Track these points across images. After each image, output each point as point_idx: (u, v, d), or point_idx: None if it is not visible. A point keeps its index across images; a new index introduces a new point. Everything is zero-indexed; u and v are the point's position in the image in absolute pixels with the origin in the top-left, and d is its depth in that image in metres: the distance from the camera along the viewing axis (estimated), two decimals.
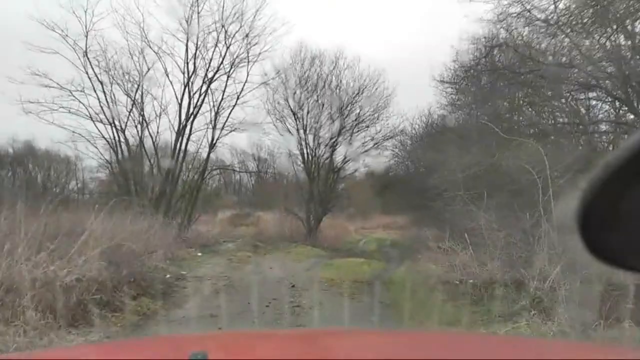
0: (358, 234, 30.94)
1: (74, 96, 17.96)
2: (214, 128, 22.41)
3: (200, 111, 20.36)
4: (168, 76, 19.23)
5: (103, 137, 18.44)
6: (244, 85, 20.83)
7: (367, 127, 20.30)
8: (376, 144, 20.53)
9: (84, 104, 18.07)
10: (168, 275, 9.46)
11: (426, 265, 12.12)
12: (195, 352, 1.25)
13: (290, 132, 20.92)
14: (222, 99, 21.65)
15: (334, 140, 20.19)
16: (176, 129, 19.43)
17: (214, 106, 20.79)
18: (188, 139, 19.61)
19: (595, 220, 0.65)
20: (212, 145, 22.41)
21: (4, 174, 28.33)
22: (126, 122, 18.56)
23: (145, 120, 19.16)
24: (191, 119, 19.61)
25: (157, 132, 19.64)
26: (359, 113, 20.18)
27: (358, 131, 20.44)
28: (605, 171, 0.60)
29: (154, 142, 19.68)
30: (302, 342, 2.06)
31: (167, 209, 19.04)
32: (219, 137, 22.65)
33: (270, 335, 2.70)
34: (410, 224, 35.43)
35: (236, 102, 21.85)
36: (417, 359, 1.63)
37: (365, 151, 20.52)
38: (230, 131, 22.90)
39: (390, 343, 2.00)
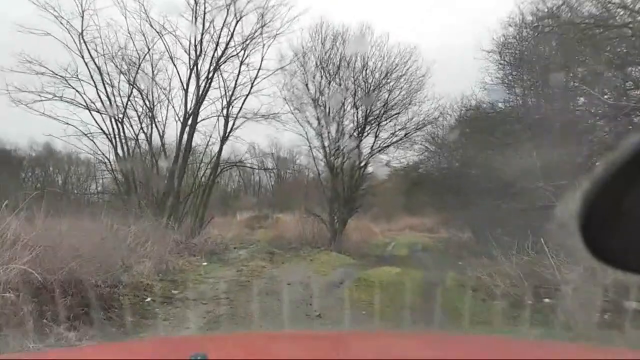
0: (384, 236, 28.27)
1: (68, 84, 15.74)
2: (226, 119, 20.03)
3: (209, 98, 18.00)
4: (172, 59, 16.81)
5: (101, 129, 16.15)
6: (258, 70, 18.39)
7: (397, 114, 17.57)
8: (407, 133, 17.76)
9: (79, 92, 15.84)
10: (149, 299, 6.92)
11: (478, 276, 9.48)
12: (195, 354, 1.25)
13: (309, 122, 18.38)
14: (235, 85, 19.28)
15: (359, 130, 17.53)
16: (182, 118, 17.06)
17: (225, 94, 18.41)
18: (194, 129, 17.17)
19: (596, 221, 0.65)
20: (224, 138, 20.01)
21: (23, 176, 27.38)
22: (124, 111, 16.24)
23: (148, 107, 16.79)
24: (199, 106, 17.18)
25: (160, 122, 17.25)
26: (387, 98, 17.47)
27: (387, 120, 17.74)
28: (607, 171, 0.59)
29: (160, 134, 17.28)
30: (301, 343, 2.04)
31: (172, 210, 16.65)
32: (231, 129, 20.29)
33: (269, 336, 2.74)
34: (440, 226, 32.69)
35: (250, 89, 19.46)
36: (417, 359, 1.64)
37: (395, 142, 17.80)
38: (244, 122, 20.52)
39: (390, 344, 1.96)
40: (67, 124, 15.73)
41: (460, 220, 24.69)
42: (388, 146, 17.63)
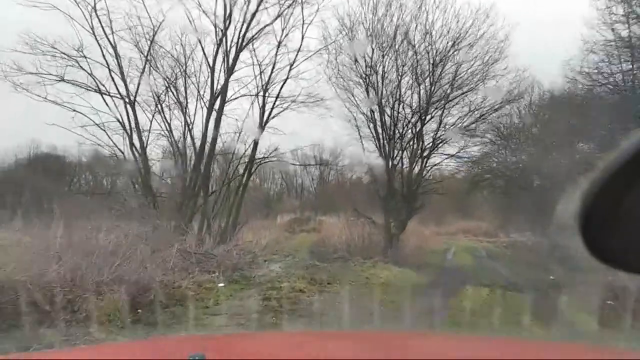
0: (438, 241, 24.41)
1: (78, 64, 12.94)
2: (262, 106, 16.83)
3: (241, 81, 14.88)
4: (193, 22, 13.66)
5: (114, 118, 13.22)
6: (298, 50, 15.14)
7: (468, 91, 13.74)
8: (482, 116, 13.88)
9: (89, 74, 13.00)
10: None
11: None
12: (194, 354, 1.25)
13: (358, 106, 14.88)
14: (273, 68, 16.09)
15: (420, 113, 13.86)
16: (207, 102, 13.94)
17: (260, 73, 15.22)
18: (221, 113, 14.01)
19: (596, 221, 0.64)
20: (261, 127, 16.81)
21: (70, 181, 26.15)
22: (136, 90, 13.25)
23: (168, 83, 13.72)
24: (226, 84, 14.02)
25: (180, 102, 14.15)
26: (455, 72, 13.70)
27: (455, 100, 13.96)
28: (607, 172, 0.59)
29: (187, 120, 14.18)
30: (300, 343, 2.01)
31: (194, 212, 13.55)
32: (268, 117, 17.07)
33: (267, 337, 2.79)
34: (499, 229, 28.43)
35: (289, 71, 16.25)
36: (417, 359, 1.59)
37: (466, 127, 13.96)
38: (281, 111, 17.25)
39: (390, 344, 1.92)
40: (75, 110, 12.96)
41: (526, 222, 20.83)
42: (457, 133, 13.84)
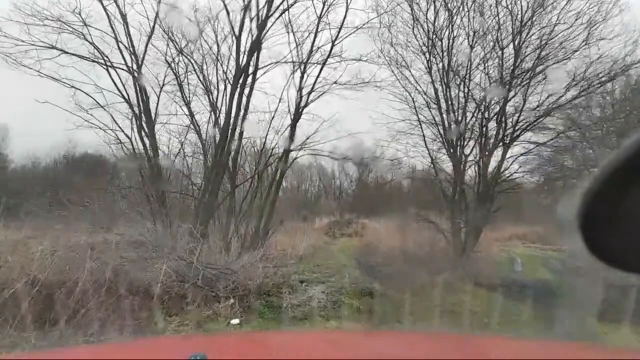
0: (495, 249, 20.86)
1: (80, 34, 10.42)
2: (299, 86, 13.98)
3: (272, 57, 12.09)
4: None
5: (121, 95, 10.59)
6: (344, 19, 12.23)
7: (565, 59, 10.30)
8: (584, 90, 10.36)
9: (93, 44, 10.45)
10: None
11: None
12: (195, 354, 1.24)
13: (417, 84, 11.76)
14: (312, 48, 13.27)
15: (499, 91, 10.58)
16: (231, 77, 11.13)
17: (297, 46, 12.39)
18: (251, 90, 11.19)
19: (596, 220, 0.62)
20: (297, 113, 13.96)
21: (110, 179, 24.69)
22: (143, 56, 10.53)
23: (177, 51, 11.00)
24: (254, 57, 11.17)
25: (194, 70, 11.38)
26: (542, 39, 10.34)
27: (539, 75, 10.60)
28: (607, 171, 0.58)
29: (210, 99, 11.42)
30: (301, 343, 1.97)
31: (211, 212, 10.76)
32: (306, 102, 14.19)
33: (268, 336, 2.65)
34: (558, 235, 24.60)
35: (331, 50, 13.40)
36: (417, 359, 1.57)
37: (558, 107, 10.51)
38: (321, 95, 14.32)
39: (390, 344, 1.90)
40: (74, 87, 10.44)
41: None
42: (548, 112, 10.42)
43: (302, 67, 14.02)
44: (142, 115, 10.62)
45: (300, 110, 14.28)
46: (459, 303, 6.96)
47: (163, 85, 10.84)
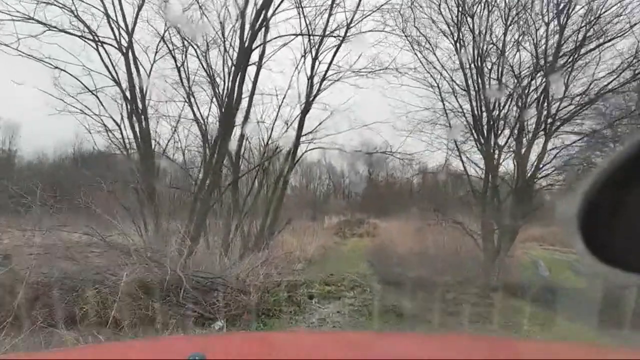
0: (516, 251, 19.24)
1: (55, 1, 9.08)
2: (310, 74, 12.59)
3: (278, 32, 10.65)
4: None
5: (114, 78, 9.23)
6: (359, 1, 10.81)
7: (617, 38, 8.72)
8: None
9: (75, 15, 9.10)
10: None
11: None
12: (194, 354, 1.21)
13: (442, 72, 10.29)
14: (325, 30, 11.94)
15: (546, 66, 9.03)
16: (234, 54, 9.71)
17: (308, 24, 10.99)
18: (258, 74, 9.79)
19: (596, 220, 0.61)
20: (308, 102, 12.55)
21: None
22: (133, 27, 9.11)
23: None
24: (261, 35, 9.75)
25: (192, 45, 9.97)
26: (592, 13, 8.80)
27: (587, 55, 9.04)
28: (607, 171, 0.57)
29: (212, 83, 10.00)
30: (301, 343, 1.95)
31: (206, 210, 9.33)
32: (317, 91, 12.80)
33: (268, 336, 2.63)
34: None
35: (346, 33, 12.04)
36: (417, 359, 1.55)
37: (612, 91, 8.94)
38: (333, 82, 12.91)
39: (390, 344, 1.85)
40: (58, 68, 9.11)
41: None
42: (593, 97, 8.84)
43: (314, 51, 12.63)
44: (135, 99, 9.26)
45: (310, 99, 12.86)
46: (507, 322, 5.50)
47: (154, 62, 9.43)
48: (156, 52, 9.36)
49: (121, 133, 9.32)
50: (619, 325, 6.44)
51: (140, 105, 9.54)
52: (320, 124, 11.79)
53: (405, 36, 10.57)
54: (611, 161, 0.57)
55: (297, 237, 15.01)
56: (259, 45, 9.66)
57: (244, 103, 10.56)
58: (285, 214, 15.95)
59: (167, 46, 9.56)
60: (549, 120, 8.75)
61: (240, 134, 10.44)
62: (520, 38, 9.51)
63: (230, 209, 11.42)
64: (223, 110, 9.18)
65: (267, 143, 11.87)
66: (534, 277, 11.97)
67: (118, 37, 8.93)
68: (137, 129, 9.20)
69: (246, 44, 9.40)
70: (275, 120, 11.31)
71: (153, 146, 9.40)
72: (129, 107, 9.29)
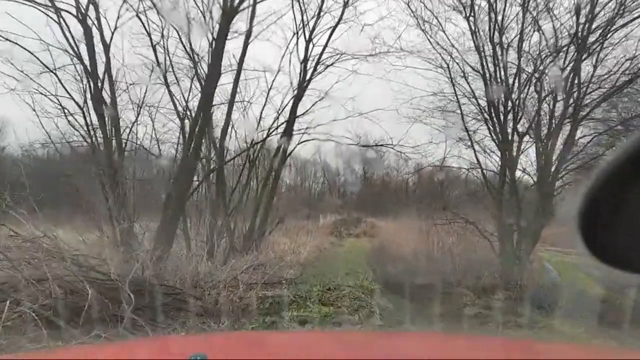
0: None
1: None
2: (304, 57, 11.33)
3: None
4: None
5: (75, 51, 7.89)
6: None
7: None
8: None
9: None
10: None
11: None
12: (195, 354, 1.20)
13: (451, 52, 9.02)
14: (321, 8, 10.76)
15: (579, 37, 7.72)
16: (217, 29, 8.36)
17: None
18: (245, 51, 8.47)
19: (596, 220, 0.60)
20: (301, 88, 11.26)
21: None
22: None
23: None
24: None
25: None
26: None
27: (621, 29, 7.77)
28: (607, 171, 0.56)
29: (187, 51, 8.63)
30: (301, 343, 1.94)
31: (180, 205, 7.96)
32: (312, 74, 11.55)
33: (269, 336, 2.60)
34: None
35: (343, 10, 10.88)
36: (417, 359, 1.54)
37: None
38: (329, 65, 11.63)
39: (390, 344, 1.81)
40: (9, 40, 7.77)
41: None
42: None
43: (307, 32, 11.35)
44: (101, 80, 7.92)
45: (304, 84, 11.58)
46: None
47: (114, 27, 8.05)
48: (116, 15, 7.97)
49: (84, 118, 7.98)
50: None
51: (108, 88, 8.24)
52: (312, 105, 10.45)
53: (411, 11, 9.30)
54: (611, 161, 0.55)
55: (290, 237, 13.74)
56: (244, 9, 8.29)
57: (226, 82, 9.28)
58: (277, 213, 14.69)
59: (139, 18, 8.23)
60: (581, 102, 7.48)
61: (225, 120, 9.15)
62: (544, 11, 8.24)
63: (216, 207, 10.12)
64: (203, 87, 7.82)
65: (256, 130, 10.56)
66: (549, 284, 10.67)
67: (84, 10, 7.58)
68: (105, 115, 7.86)
69: (229, 3, 8.00)
70: (265, 105, 10.00)
71: (123, 134, 8.04)
72: (93, 88, 7.95)
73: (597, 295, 8.78)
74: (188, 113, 8.41)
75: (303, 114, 10.37)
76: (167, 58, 8.66)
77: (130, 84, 8.51)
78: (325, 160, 34.31)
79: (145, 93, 8.85)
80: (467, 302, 6.60)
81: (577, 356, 1.64)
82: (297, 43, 11.25)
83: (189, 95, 8.88)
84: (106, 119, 7.97)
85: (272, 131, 10.49)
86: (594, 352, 1.93)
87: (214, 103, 8.34)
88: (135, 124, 8.79)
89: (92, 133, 7.96)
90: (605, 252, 0.63)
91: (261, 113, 10.07)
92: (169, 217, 7.07)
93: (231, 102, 9.69)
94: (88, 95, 7.98)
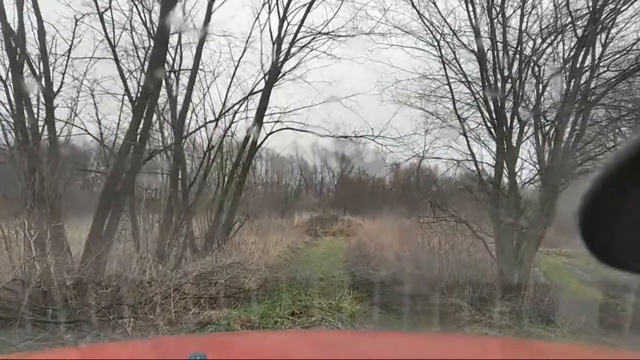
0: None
1: None
2: (277, 41, 10.08)
3: None
4: None
5: None
6: None
7: None
8: None
9: None
10: None
11: None
12: (195, 354, 1.17)
13: (442, 28, 7.86)
14: None
15: (581, 22, 6.67)
16: None
17: None
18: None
19: (596, 220, 0.59)
20: (275, 70, 9.97)
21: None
22: None
23: None
24: None
25: None
26: None
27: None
28: (607, 171, 0.56)
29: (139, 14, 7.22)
30: (301, 343, 1.92)
31: (115, 195, 6.46)
32: (286, 56, 10.28)
33: (269, 336, 2.57)
34: (560, 237, 21.34)
35: None
36: (416, 359, 1.49)
37: None
38: (305, 46, 10.39)
39: (390, 344, 1.81)
40: None
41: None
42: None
43: (282, 8, 10.07)
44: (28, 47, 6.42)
45: (278, 65, 10.29)
46: None
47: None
48: None
49: (6, 90, 6.47)
50: None
51: (39, 61, 6.77)
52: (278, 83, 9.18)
53: None
54: (612, 161, 0.55)
55: (260, 236, 12.42)
56: None
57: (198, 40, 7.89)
58: (247, 209, 13.37)
59: None
60: (593, 85, 6.40)
61: (185, 98, 7.77)
62: None
63: (172, 201, 8.73)
64: (152, 47, 6.37)
65: (221, 114, 9.17)
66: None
67: None
68: (27, 90, 6.38)
69: None
70: (230, 84, 8.62)
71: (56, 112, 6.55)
72: (17, 55, 6.45)
73: (593, 302, 7.79)
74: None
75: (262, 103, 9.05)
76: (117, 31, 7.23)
77: (65, 55, 7.01)
78: (302, 157, 33.28)
79: (88, 67, 7.37)
80: (465, 318, 5.45)
81: (577, 356, 1.60)
82: (268, 17, 9.95)
83: (141, 74, 7.46)
84: (39, 91, 6.50)
85: (235, 115, 9.13)
86: (593, 352, 1.88)
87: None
88: (75, 103, 7.30)
89: (14, 112, 6.46)
90: (604, 252, 0.61)
91: (226, 95, 8.68)
92: (106, 213, 5.66)
93: (191, 80, 8.33)
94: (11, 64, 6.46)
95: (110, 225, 5.85)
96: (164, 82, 7.20)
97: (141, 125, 6.29)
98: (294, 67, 10.19)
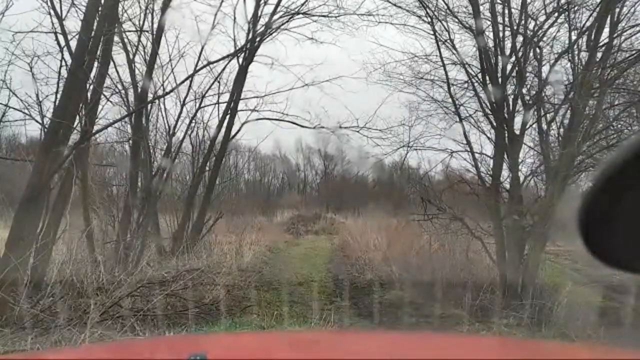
0: None
1: None
2: (252, 21, 9.16)
3: None
4: None
5: None
6: None
7: None
8: None
9: None
10: None
11: None
12: (194, 354, 1.11)
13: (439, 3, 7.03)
14: None
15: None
16: None
17: None
18: None
19: (596, 220, 0.57)
20: (252, 50, 9.03)
21: None
22: None
23: None
24: None
25: None
26: None
27: None
28: (608, 171, 0.54)
29: None
30: (301, 343, 1.87)
31: (46, 184, 5.40)
32: (262, 36, 9.35)
33: (269, 336, 2.56)
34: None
35: None
36: (417, 359, 1.43)
37: None
38: (282, 25, 9.44)
39: (390, 344, 1.76)
40: None
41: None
42: None
43: None
44: None
45: (254, 44, 9.35)
46: None
47: None
48: None
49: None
50: None
51: None
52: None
53: None
54: (612, 161, 0.53)
55: (238, 235, 11.44)
56: None
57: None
58: (222, 206, 12.40)
59: None
60: (613, 60, 5.62)
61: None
62: None
63: (132, 197, 7.72)
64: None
65: (187, 95, 8.16)
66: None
67: None
68: None
69: None
70: (197, 64, 7.60)
71: None
72: None
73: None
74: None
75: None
76: None
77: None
78: (285, 155, 32.40)
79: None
80: (466, 332, 4.61)
81: (577, 356, 1.59)
82: None
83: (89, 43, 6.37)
84: None
85: (203, 100, 8.16)
86: (594, 352, 1.86)
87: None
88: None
89: None
90: (604, 252, 0.60)
91: (192, 75, 7.66)
92: (30, 209, 4.64)
93: (154, 54, 7.34)
94: None
95: (33, 224, 4.81)
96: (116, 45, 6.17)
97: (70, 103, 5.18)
98: (270, 46, 9.25)
